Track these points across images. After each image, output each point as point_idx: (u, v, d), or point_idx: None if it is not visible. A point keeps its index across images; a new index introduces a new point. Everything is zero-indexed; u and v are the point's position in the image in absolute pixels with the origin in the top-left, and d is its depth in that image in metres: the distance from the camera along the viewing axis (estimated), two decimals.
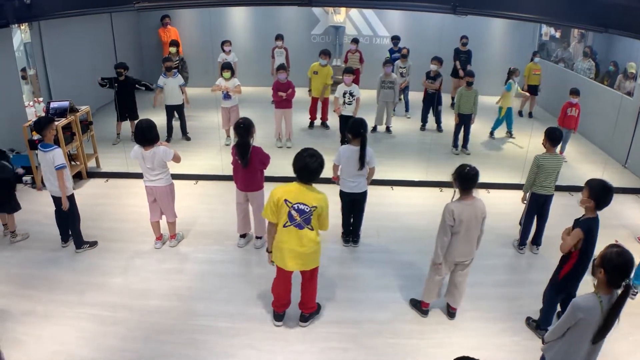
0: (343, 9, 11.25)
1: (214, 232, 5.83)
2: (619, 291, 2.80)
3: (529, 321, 4.44)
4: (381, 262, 5.34)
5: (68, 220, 5.33)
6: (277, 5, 11.47)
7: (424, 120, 9.54)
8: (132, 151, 5.13)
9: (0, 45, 7.09)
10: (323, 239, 4.13)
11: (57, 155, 5.01)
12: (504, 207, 6.53)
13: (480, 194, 6.93)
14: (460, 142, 8.46)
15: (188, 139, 8.69)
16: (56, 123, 5.29)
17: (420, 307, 4.53)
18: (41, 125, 4.98)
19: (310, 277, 4.20)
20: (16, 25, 7.18)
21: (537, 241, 5.60)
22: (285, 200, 3.82)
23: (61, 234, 5.46)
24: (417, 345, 4.14)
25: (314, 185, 3.92)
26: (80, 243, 5.37)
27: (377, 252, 5.53)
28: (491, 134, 9.29)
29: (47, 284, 4.83)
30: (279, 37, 10.23)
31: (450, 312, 4.51)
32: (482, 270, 5.17)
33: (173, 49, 9.43)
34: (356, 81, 9.23)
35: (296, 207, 3.82)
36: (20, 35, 7.89)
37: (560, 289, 4.09)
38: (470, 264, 4.26)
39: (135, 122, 8.31)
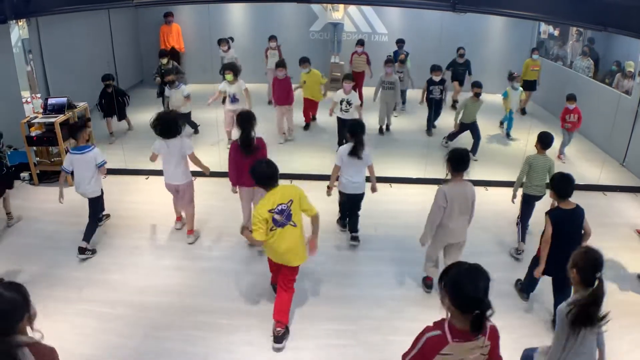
0: (341, 6, 11.22)
1: (212, 229, 5.84)
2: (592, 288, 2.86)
3: (517, 283, 4.76)
4: (379, 259, 5.35)
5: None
6: (276, 2, 11.45)
7: (431, 124, 9.32)
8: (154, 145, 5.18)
9: None
10: (320, 236, 4.15)
11: (98, 153, 5.19)
12: (501, 205, 6.53)
13: (478, 191, 6.94)
14: (457, 142, 8.36)
15: (197, 132, 8.84)
16: (89, 129, 5.51)
17: (425, 280, 4.82)
18: (75, 130, 5.22)
19: (287, 280, 4.13)
20: (14, 21, 7.15)
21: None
22: (269, 210, 3.88)
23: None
24: None
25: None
26: (85, 246, 5.20)
27: (375, 249, 5.54)
28: (507, 135, 9.16)
29: (45, 281, 4.83)
30: (272, 38, 9.99)
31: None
32: None
33: (164, 60, 9.08)
34: (360, 84, 9.11)
35: (277, 210, 3.90)
36: (18, 31, 7.86)
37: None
38: (463, 245, 4.52)
39: (125, 120, 8.49)
